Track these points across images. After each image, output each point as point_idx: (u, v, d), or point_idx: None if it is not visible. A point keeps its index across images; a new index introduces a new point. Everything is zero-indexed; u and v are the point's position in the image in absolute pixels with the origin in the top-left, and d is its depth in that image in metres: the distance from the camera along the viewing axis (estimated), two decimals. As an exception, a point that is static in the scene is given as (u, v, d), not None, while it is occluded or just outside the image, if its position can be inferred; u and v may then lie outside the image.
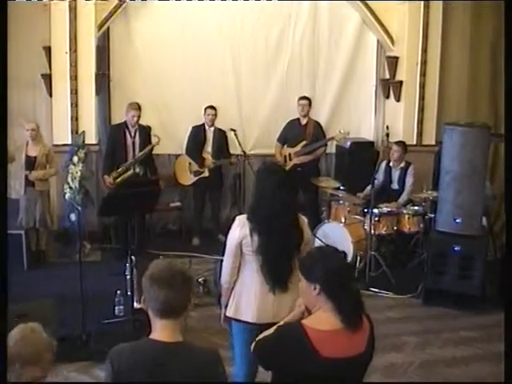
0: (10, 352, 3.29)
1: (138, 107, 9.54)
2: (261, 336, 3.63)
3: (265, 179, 4.76)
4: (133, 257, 7.45)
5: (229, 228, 9.90)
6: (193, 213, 10.56)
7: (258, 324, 4.66)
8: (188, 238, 10.32)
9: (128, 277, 7.61)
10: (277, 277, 4.66)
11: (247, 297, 4.76)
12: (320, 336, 3.32)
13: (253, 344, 3.63)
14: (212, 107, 10.19)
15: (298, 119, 10.27)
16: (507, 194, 6.18)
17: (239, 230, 4.69)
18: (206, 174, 10.20)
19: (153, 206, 7.83)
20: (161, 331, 3.14)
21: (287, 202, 4.70)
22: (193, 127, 10.36)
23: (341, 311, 3.35)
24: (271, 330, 3.57)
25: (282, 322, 3.67)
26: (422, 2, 10.50)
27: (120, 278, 7.94)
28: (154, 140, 9.55)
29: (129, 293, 7.49)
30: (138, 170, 9.44)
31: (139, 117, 9.55)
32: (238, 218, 4.82)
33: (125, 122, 9.60)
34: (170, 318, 3.12)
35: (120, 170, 9.51)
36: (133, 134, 9.58)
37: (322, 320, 3.39)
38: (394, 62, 10.89)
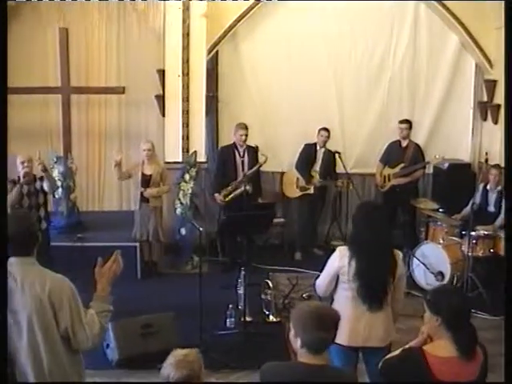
0: (164, 374, 3.75)
1: (246, 127, 10.03)
2: (388, 356, 4.14)
3: (366, 213, 5.31)
4: (243, 272, 7.95)
5: (327, 243, 10.32)
6: (296, 228, 10.96)
7: (349, 347, 5.22)
8: (290, 253, 10.72)
9: (240, 291, 8.09)
10: (373, 296, 5.17)
11: (341, 322, 5.22)
12: (437, 361, 3.79)
13: (380, 362, 4.11)
14: (326, 129, 10.61)
15: (399, 141, 10.58)
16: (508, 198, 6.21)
17: (338, 260, 5.22)
18: (311, 191, 10.62)
19: (267, 228, 8.30)
20: (309, 359, 3.64)
21: (383, 233, 5.23)
22: (305, 144, 10.78)
23: (457, 342, 3.80)
24: (397, 352, 4.07)
25: (407, 346, 4.13)
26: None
27: (228, 290, 8.39)
28: (261, 159, 9.99)
29: (239, 307, 7.99)
30: (248, 187, 9.83)
31: (247, 136, 10.02)
32: (338, 248, 5.34)
33: (234, 143, 10.11)
34: (320, 353, 3.63)
35: (230, 187, 10.01)
36: (242, 153, 10.06)
37: (441, 347, 3.84)
38: (492, 85, 11.05)
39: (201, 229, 7.44)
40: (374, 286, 5.14)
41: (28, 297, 4.14)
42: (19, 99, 10.66)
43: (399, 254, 5.32)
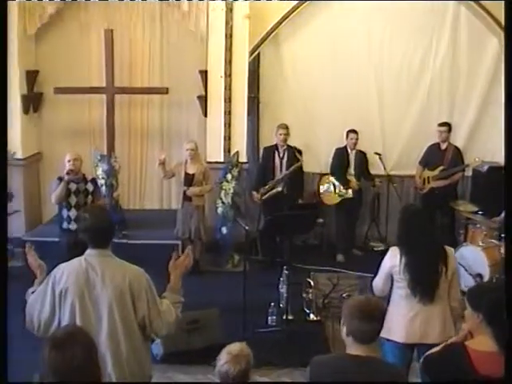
0: (222, 371, 3.90)
1: (286, 127, 10.19)
2: (429, 352, 4.23)
3: (411, 215, 5.56)
4: (286, 271, 8.07)
5: (366, 244, 10.39)
6: (335, 231, 11.01)
7: (406, 344, 5.37)
8: (332, 255, 10.74)
9: (282, 290, 8.21)
10: (423, 289, 5.33)
11: (397, 320, 5.44)
12: (479, 356, 3.88)
13: (422, 358, 4.23)
14: (354, 131, 10.66)
15: (438, 144, 10.60)
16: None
17: (390, 259, 5.49)
18: (351, 195, 10.68)
19: (311, 228, 8.41)
20: (355, 348, 3.77)
21: (427, 231, 5.49)
22: (336, 149, 10.84)
23: (498, 337, 3.88)
24: (438, 347, 4.19)
25: (448, 342, 4.27)
26: None
27: (267, 288, 8.53)
28: (299, 162, 10.06)
29: (281, 305, 8.10)
30: (279, 188, 10.06)
31: (287, 136, 10.17)
32: (391, 248, 5.60)
33: (276, 144, 10.26)
34: (365, 343, 3.74)
35: (267, 187, 10.18)
36: (281, 154, 10.21)
37: (482, 342, 3.93)
38: (532, 88, 11.04)
39: (247, 227, 7.58)
40: (423, 279, 5.30)
41: (109, 287, 4.36)
42: (63, 99, 10.88)
43: (451, 250, 5.50)
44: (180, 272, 4.71)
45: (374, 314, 3.77)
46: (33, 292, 4.55)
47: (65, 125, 11.31)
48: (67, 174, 8.31)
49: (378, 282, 5.59)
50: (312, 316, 8.29)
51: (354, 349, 3.78)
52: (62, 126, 11.32)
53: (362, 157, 10.84)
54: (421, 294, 5.32)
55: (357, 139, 10.66)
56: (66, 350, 3.09)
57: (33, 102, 11.10)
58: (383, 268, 5.54)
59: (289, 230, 7.99)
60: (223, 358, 3.92)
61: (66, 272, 4.43)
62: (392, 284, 5.51)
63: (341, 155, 10.80)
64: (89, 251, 4.51)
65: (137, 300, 4.39)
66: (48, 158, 11.38)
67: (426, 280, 5.30)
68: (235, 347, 3.98)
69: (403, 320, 5.38)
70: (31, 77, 10.95)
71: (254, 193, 10.30)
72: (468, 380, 3.85)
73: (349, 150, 10.78)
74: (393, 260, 5.43)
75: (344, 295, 8.70)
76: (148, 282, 4.47)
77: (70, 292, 4.37)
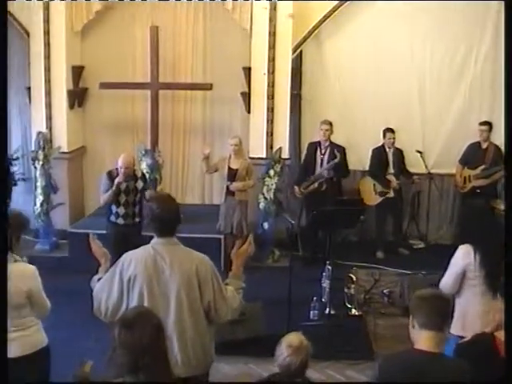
0: (284, 363, 4.01)
1: (329, 123, 10.28)
2: (461, 341, 4.41)
3: (482, 211, 5.95)
4: (329, 267, 8.16)
5: (405, 241, 10.34)
6: (375, 228, 11.04)
7: None
8: (372, 251, 10.76)
9: (324, 285, 8.31)
10: (499, 284, 5.25)
11: (472, 316, 5.51)
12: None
13: (454, 347, 4.33)
14: (391, 130, 10.69)
15: (479, 143, 10.62)
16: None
17: (464, 257, 5.53)
18: (392, 194, 10.70)
19: (355, 223, 8.48)
20: (423, 342, 3.77)
21: (496, 226, 5.56)
22: (373, 149, 10.90)
23: None
24: (469, 337, 4.35)
25: (479, 332, 4.40)
26: None
27: (309, 283, 8.61)
28: (336, 159, 10.05)
29: (323, 299, 8.20)
30: (316, 185, 10.19)
31: (328, 131, 10.24)
32: (460, 247, 5.61)
33: (319, 141, 10.35)
34: (433, 330, 3.75)
35: (306, 182, 10.31)
36: (323, 150, 10.30)
37: None
38: None
39: (293, 222, 7.69)
40: (499, 274, 5.26)
41: (177, 274, 4.50)
42: (107, 94, 11.05)
43: None
44: (242, 259, 4.87)
45: (442, 306, 3.82)
46: (99, 279, 4.68)
47: (108, 119, 11.50)
48: (117, 186, 8.35)
49: (448, 281, 5.61)
50: (354, 311, 8.37)
51: (422, 342, 3.77)
52: (106, 120, 11.51)
53: (399, 154, 10.86)
54: (496, 289, 5.34)
55: (394, 138, 10.69)
56: (136, 330, 3.22)
57: (78, 96, 11.30)
58: (455, 266, 5.56)
59: (334, 225, 8.09)
60: (285, 352, 4.03)
61: (134, 260, 4.55)
62: (462, 281, 5.56)
63: (379, 155, 10.83)
64: (155, 240, 4.63)
65: (203, 286, 4.52)
66: (92, 152, 11.61)
67: (499, 276, 5.29)
68: (295, 340, 4.10)
69: (478, 316, 5.43)
70: (77, 72, 11.16)
71: (296, 187, 10.44)
72: (495, 369, 3.92)
73: (387, 149, 10.79)
74: (466, 258, 5.47)
75: (385, 291, 8.77)
76: (213, 268, 4.61)
77: (138, 279, 4.50)
